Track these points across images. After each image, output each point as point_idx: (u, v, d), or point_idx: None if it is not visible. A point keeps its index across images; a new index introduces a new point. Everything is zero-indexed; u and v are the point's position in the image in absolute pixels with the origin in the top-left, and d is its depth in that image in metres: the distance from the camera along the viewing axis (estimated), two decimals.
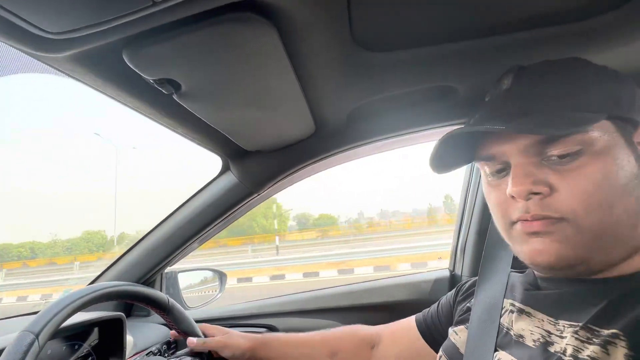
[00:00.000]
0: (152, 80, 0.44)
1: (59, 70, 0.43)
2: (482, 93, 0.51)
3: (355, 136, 0.78)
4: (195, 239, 0.97)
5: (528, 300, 0.44)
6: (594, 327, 0.34)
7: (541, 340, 0.39)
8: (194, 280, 1.26)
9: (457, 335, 0.55)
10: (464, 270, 0.94)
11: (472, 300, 0.57)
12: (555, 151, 0.36)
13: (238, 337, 0.72)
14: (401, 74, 0.61)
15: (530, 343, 0.40)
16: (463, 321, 0.56)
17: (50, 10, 0.30)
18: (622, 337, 0.31)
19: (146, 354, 0.77)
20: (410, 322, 0.68)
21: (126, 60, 0.39)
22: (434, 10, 0.49)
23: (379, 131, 0.76)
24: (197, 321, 0.75)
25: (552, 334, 0.38)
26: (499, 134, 0.40)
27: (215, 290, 1.27)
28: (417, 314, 0.69)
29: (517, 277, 0.52)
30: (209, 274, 1.30)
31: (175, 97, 0.48)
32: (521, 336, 0.41)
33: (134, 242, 0.97)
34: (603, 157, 0.35)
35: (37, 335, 0.47)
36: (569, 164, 0.36)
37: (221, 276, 1.30)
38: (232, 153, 0.80)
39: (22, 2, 0.29)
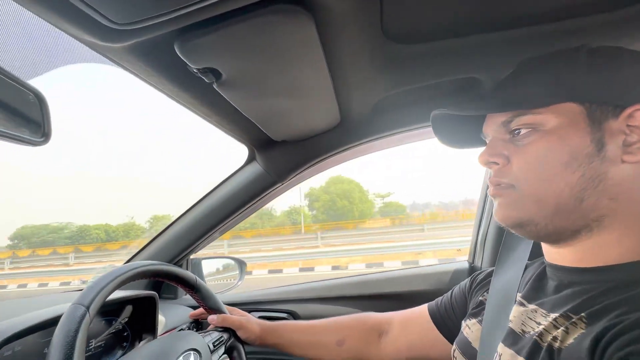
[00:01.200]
0: (196, 69, 0.47)
1: (112, 59, 0.47)
2: None
3: (380, 128, 0.80)
4: (220, 226, 1.01)
5: (529, 294, 0.47)
6: (570, 314, 0.38)
7: (531, 332, 0.41)
8: (216, 268, 1.31)
9: (469, 329, 0.55)
10: (483, 262, 0.95)
11: (486, 293, 0.57)
12: (513, 127, 0.42)
13: (253, 322, 0.76)
14: (427, 66, 0.63)
15: (522, 334, 0.43)
16: (476, 315, 0.56)
17: (119, 1, 0.33)
18: (584, 320, 0.36)
19: (177, 330, 0.82)
20: (422, 310, 0.68)
21: (177, 50, 0.42)
22: (462, 2, 0.50)
23: (404, 123, 0.78)
24: None
25: (540, 324, 0.41)
26: (486, 115, 0.47)
27: (235, 279, 1.32)
28: (430, 302, 0.69)
29: (531, 269, 0.53)
30: (230, 262, 1.35)
31: (215, 86, 0.52)
32: (522, 330, 0.43)
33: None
34: (550, 137, 0.40)
35: (87, 308, 0.51)
36: (524, 140, 0.41)
37: (241, 265, 1.34)
38: (259, 143, 0.83)
39: None
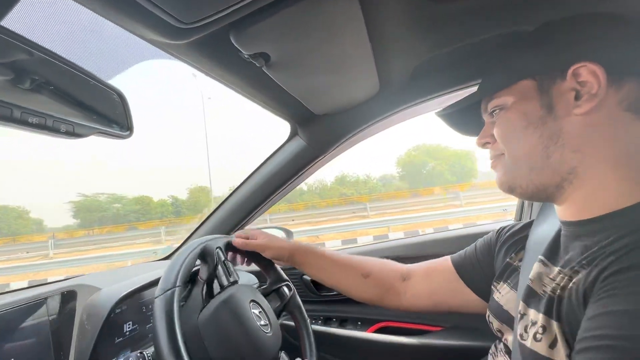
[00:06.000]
0: (248, 55, 0.51)
1: (174, 55, 0.52)
2: None
3: (419, 93, 0.80)
4: (268, 200, 1.09)
5: (549, 252, 0.48)
6: (574, 265, 0.40)
7: (549, 289, 0.43)
8: None
9: (499, 293, 0.57)
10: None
11: (514, 255, 0.59)
12: (489, 111, 0.51)
13: (280, 240, 0.78)
14: (470, 23, 0.61)
15: (543, 294, 0.44)
16: (505, 278, 0.57)
17: (186, 2, 0.37)
18: (585, 266, 0.39)
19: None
20: (445, 262, 0.70)
21: (232, 40, 0.46)
22: None
23: (444, 85, 0.77)
24: None
25: (554, 280, 0.43)
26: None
27: None
28: (452, 255, 0.70)
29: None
30: (279, 232, 1.45)
31: (264, 69, 0.55)
32: (543, 291, 0.44)
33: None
34: (510, 111, 0.47)
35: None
36: (497, 119, 0.50)
37: (288, 233, 1.44)
38: (301, 118, 0.87)
39: None
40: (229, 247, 0.75)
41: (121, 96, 0.49)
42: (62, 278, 0.76)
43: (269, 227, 1.41)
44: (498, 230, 0.66)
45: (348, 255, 0.79)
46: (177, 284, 0.57)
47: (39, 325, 0.59)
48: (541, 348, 0.40)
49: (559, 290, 0.40)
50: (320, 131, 0.90)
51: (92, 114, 0.47)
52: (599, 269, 0.36)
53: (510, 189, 0.49)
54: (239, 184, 1.08)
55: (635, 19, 0.44)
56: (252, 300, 0.72)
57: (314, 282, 1.13)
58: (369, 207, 13.14)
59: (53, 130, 0.39)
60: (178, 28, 0.40)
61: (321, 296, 1.14)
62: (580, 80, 0.42)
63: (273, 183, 1.04)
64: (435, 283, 0.70)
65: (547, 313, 0.41)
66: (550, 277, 0.44)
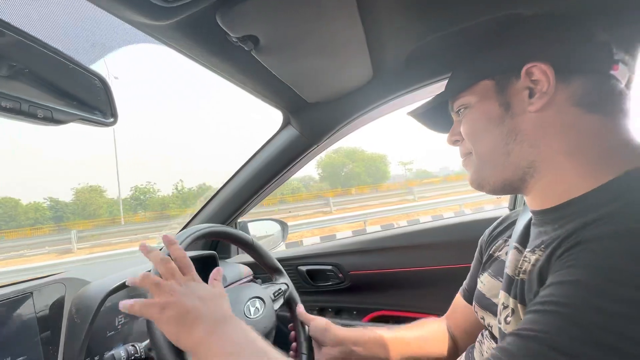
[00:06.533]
0: (236, 38, 0.49)
1: (158, 38, 0.50)
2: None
3: (414, 78, 0.78)
4: (262, 190, 1.07)
5: (521, 239, 0.52)
6: (535, 249, 0.44)
7: (516, 272, 0.46)
8: (261, 229, 1.40)
9: (482, 283, 0.59)
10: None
11: (494, 246, 0.62)
12: (455, 110, 0.53)
13: (337, 328, 0.72)
14: (464, 6, 0.59)
15: (514, 277, 0.47)
16: (486, 268, 0.60)
17: None
18: (542, 249, 0.41)
19: (239, 284, 0.91)
20: (459, 299, 0.71)
21: (219, 21, 0.44)
22: None
23: (439, 71, 0.76)
24: None
25: (520, 264, 0.46)
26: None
27: (279, 238, 1.41)
28: (460, 289, 0.71)
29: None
30: (273, 223, 1.44)
31: (253, 52, 0.53)
32: (514, 274, 0.47)
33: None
34: (473, 110, 0.50)
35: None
36: (461, 118, 0.52)
37: (283, 226, 1.43)
38: (294, 106, 0.85)
39: None
40: (292, 305, 0.79)
41: (103, 81, 0.47)
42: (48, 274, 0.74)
43: (264, 219, 1.40)
44: (479, 243, 0.69)
45: (401, 332, 0.73)
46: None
47: (25, 321, 0.58)
48: (510, 330, 0.41)
49: (521, 274, 0.44)
50: (313, 120, 0.88)
51: (72, 99, 0.44)
52: (553, 247, 0.38)
53: (480, 187, 0.52)
54: (228, 175, 1.06)
55: (581, 19, 0.45)
56: (259, 298, 0.71)
57: (308, 272, 1.13)
58: (332, 203, 13.55)
59: (29, 115, 0.37)
60: (160, 7, 0.38)
61: (316, 286, 1.14)
62: (534, 79, 0.44)
63: (266, 173, 1.03)
64: (462, 320, 0.70)
65: (514, 296, 0.44)
66: (519, 262, 0.47)
